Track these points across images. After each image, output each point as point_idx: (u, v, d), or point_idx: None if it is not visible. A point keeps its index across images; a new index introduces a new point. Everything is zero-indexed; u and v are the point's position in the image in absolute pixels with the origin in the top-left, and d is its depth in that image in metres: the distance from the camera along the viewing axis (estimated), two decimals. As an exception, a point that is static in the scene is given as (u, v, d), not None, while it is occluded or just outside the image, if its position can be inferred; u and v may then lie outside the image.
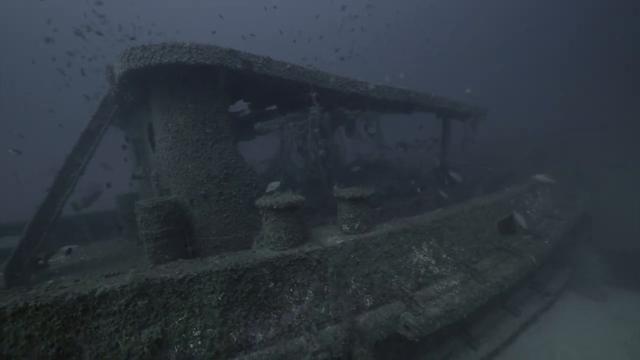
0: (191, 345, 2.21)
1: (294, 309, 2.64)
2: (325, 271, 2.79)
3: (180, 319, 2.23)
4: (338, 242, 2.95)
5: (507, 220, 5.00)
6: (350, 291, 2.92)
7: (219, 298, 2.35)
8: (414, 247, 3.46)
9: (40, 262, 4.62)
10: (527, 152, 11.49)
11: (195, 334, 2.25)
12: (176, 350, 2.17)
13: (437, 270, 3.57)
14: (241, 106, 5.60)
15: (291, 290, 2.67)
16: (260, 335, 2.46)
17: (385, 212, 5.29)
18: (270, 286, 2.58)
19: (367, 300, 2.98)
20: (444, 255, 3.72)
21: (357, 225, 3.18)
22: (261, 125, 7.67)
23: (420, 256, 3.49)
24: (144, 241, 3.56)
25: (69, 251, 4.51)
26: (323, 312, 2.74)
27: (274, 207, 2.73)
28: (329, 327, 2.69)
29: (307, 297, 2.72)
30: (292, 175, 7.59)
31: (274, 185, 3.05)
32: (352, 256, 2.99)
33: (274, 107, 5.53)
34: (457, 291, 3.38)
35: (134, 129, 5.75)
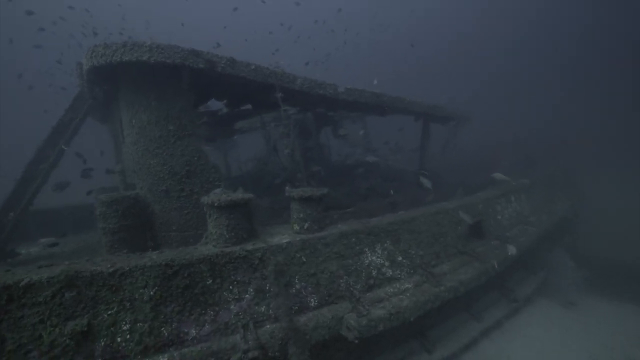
0: (119, 339, 2.24)
1: (232, 307, 2.67)
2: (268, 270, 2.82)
3: (109, 312, 2.26)
4: (284, 241, 2.98)
5: (474, 225, 5.01)
6: (294, 290, 2.94)
7: (151, 293, 2.38)
8: (366, 249, 3.48)
9: (10, 250, 4.68)
10: (517, 155, 11.53)
11: (124, 327, 2.28)
12: (102, 343, 2.20)
13: (391, 273, 3.59)
14: (217, 105, 5.65)
15: (231, 287, 2.69)
16: (194, 331, 2.49)
17: (357, 213, 5.31)
18: (208, 283, 2.61)
19: (312, 300, 3.00)
20: (400, 258, 3.74)
21: (306, 225, 3.21)
22: (242, 124, 7.71)
23: (373, 258, 3.51)
24: (102, 235, 3.61)
25: (54, 244, 4.54)
26: (263, 310, 2.77)
27: (215, 204, 2.76)
28: (268, 326, 2.71)
29: (247, 295, 2.74)
30: (273, 174, 7.63)
31: (217, 192, 3.09)
32: (298, 255, 3.01)
33: (250, 106, 5.57)
34: (408, 294, 3.40)
35: (111, 124, 5.82)
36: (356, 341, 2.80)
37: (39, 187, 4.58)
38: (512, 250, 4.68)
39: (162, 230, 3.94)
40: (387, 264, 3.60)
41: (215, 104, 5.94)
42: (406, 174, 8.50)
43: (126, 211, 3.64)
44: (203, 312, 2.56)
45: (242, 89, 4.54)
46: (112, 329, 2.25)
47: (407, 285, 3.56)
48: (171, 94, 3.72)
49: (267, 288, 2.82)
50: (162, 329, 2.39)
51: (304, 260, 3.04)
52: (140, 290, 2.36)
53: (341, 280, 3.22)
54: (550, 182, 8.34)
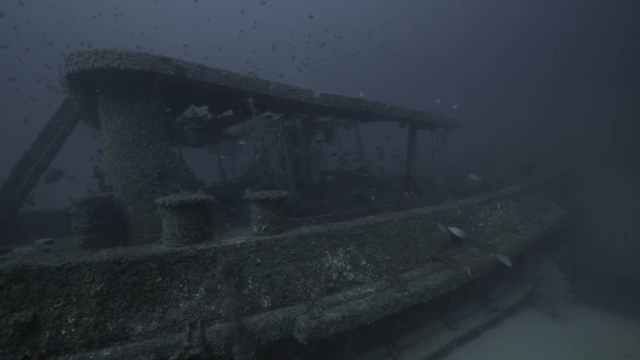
0: (63, 332, 2.33)
1: (181, 305, 2.73)
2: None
3: (55, 305, 2.36)
4: (238, 242, 3.04)
5: (450, 232, 4.95)
6: (247, 291, 2.98)
7: (98, 288, 2.46)
8: (327, 252, 3.50)
9: (5, 249, 4.89)
10: (517, 162, 11.36)
11: (70, 321, 2.37)
12: (47, 335, 2.30)
13: (353, 276, 3.59)
14: (200, 111, 5.82)
15: (181, 286, 2.76)
16: (140, 327, 2.55)
17: (335, 218, 5.33)
18: (157, 280, 2.68)
19: (265, 301, 3.03)
20: (364, 262, 3.73)
21: (264, 227, 3.26)
22: (230, 130, 7.88)
23: (334, 261, 3.52)
24: (75, 234, 3.75)
25: (50, 242, 4.75)
26: (214, 309, 2.82)
27: (167, 204, 2.86)
28: (217, 325, 2.76)
29: (197, 294, 2.80)
30: (263, 179, 7.74)
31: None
32: (252, 256, 3.06)
33: (230, 112, 5.72)
34: (368, 298, 3.38)
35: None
36: (305, 343, 2.80)
37: (27, 189, 4.80)
38: (506, 260, 4.58)
39: (134, 231, 4.05)
40: (349, 267, 3.60)
41: (203, 111, 6.14)
42: (395, 181, 8.47)
43: (98, 212, 3.77)
44: (151, 309, 2.63)
45: (220, 95, 4.69)
46: (57, 321, 2.34)
47: (369, 290, 3.55)
48: (143, 99, 3.89)
49: (219, 288, 2.87)
50: (108, 323, 2.46)
51: (259, 261, 3.08)
52: (87, 286, 2.45)
53: (298, 283, 3.24)
54: (544, 190, 8.15)
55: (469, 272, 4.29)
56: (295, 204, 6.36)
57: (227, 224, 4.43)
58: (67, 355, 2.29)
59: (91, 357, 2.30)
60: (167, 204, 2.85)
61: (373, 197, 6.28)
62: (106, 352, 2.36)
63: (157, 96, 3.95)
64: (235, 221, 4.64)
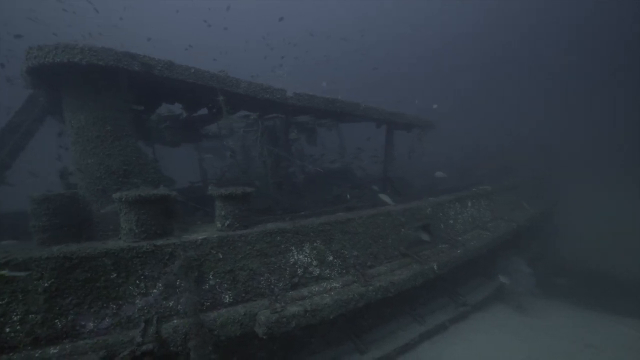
0: (7, 330, 2.26)
1: (137, 301, 2.69)
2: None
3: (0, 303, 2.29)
4: (200, 237, 3.03)
5: (422, 228, 5.07)
6: (207, 286, 2.97)
7: (47, 284, 2.41)
8: (293, 248, 3.52)
9: None
10: (496, 164, 11.75)
11: (15, 318, 2.30)
12: (-11, 333, 2.22)
13: (319, 272, 3.62)
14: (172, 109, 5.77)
15: (137, 282, 2.72)
16: (92, 324, 2.51)
17: (308, 217, 5.37)
18: (112, 277, 2.64)
19: (227, 296, 3.03)
20: (331, 258, 3.78)
21: (227, 223, 3.26)
22: (211, 130, 7.83)
23: (300, 257, 3.55)
24: (32, 232, 3.63)
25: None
26: (172, 305, 2.79)
27: (123, 199, 2.83)
28: (175, 321, 2.73)
29: (155, 290, 2.77)
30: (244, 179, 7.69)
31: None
32: (214, 252, 3.05)
33: (205, 110, 5.69)
34: (332, 293, 3.43)
35: None
36: (265, 337, 2.81)
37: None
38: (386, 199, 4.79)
39: (99, 230, 3.97)
40: (315, 263, 3.64)
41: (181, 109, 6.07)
42: (376, 182, 8.59)
43: (58, 210, 3.67)
44: (104, 305, 2.58)
45: (191, 93, 4.67)
46: (1, 319, 2.27)
47: (335, 285, 3.59)
48: (109, 95, 3.83)
49: (178, 284, 2.85)
50: (57, 321, 2.40)
51: (221, 257, 3.07)
52: (35, 282, 2.39)
53: (262, 278, 3.25)
54: (517, 190, 8.44)
55: (435, 267, 4.40)
56: (275, 203, 6.36)
57: (198, 222, 4.40)
58: (11, 354, 2.23)
59: (37, 355, 2.24)
60: (123, 199, 2.81)
61: (348, 196, 6.35)
62: (54, 350, 2.31)
63: (124, 92, 3.90)
64: (208, 220, 4.61)
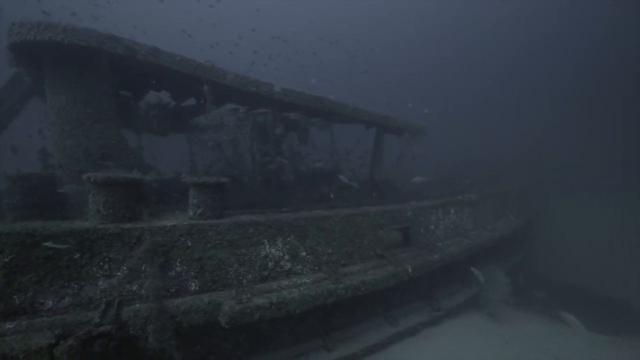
0: (-38, 302, 2.25)
1: (100, 283, 2.69)
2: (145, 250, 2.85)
3: (-45, 275, 2.27)
4: (169, 223, 3.03)
5: (401, 231, 5.11)
6: (174, 273, 2.97)
7: (6, 260, 2.39)
8: (265, 241, 3.54)
9: None
10: (483, 173, 11.87)
11: (-30, 292, 2.29)
12: (-58, 305, 2.21)
13: (290, 266, 3.64)
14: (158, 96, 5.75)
15: (101, 264, 2.72)
16: (51, 302, 2.50)
17: (285, 212, 5.39)
18: (75, 257, 2.63)
19: (193, 284, 3.03)
20: (304, 254, 3.79)
21: (199, 211, 3.27)
22: (198, 121, 7.81)
23: (272, 250, 3.56)
24: (6, 210, 3.60)
25: None
26: (135, 289, 2.79)
27: (91, 179, 2.82)
28: (137, 305, 2.73)
29: (119, 273, 2.77)
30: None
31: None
32: (183, 239, 3.05)
33: (193, 100, 5.69)
34: (301, 288, 3.44)
35: None
36: (227, 327, 2.82)
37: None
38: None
39: (74, 211, 3.94)
40: (287, 257, 3.65)
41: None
42: (365, 184, 8.63)
43: (34, 189, 3.64)
44: (65, 284, 2.57)
45: (177, 81, 4.67)
46: (-44, 292, 2.25)
47: (305, 280, 3.61)
48: (91, 77, 3.82)
49: (144, 268, 2.85)
50: (15, 296, 2.39)
51: (189, 244, 3.08)
52: (-5, 257, 2.38)
53: (230, 269, 3.26)
54: (502, 200, 8.53)
55: (410, 269, 4.43)
56: (262, 199, 6.36)
57: (176, 210, 4.39)
58: None
59: (-9, 329, 2.23)
60: (92, 180, 2.81)
61: (332, 195, 6.38)
62: (9, 325, 2.30)
63: (107, 76, 3.89)
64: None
